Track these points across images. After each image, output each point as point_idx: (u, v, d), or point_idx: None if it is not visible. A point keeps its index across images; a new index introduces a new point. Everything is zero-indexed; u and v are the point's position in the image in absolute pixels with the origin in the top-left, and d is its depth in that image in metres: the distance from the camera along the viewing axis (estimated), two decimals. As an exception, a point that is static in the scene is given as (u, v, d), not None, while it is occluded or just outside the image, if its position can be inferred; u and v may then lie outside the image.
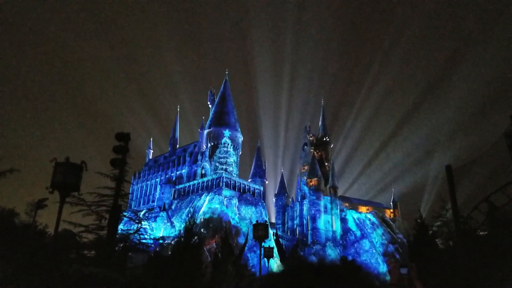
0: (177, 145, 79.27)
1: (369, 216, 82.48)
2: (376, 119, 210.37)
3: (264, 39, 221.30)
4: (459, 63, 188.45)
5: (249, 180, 73.12)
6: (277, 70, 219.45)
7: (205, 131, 73.30)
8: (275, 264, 52.47)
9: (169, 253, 34.30)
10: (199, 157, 69.89)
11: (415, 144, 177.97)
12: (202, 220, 55.21)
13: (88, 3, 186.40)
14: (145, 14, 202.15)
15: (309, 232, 73.70)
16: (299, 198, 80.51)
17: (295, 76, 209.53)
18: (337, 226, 76.02)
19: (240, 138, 76.35)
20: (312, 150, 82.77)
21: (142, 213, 45.42)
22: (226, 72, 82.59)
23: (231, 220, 56.71)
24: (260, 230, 15.61)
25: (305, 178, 79.26)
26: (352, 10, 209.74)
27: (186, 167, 69.93)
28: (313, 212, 74.41)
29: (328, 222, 75.17)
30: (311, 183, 76.34)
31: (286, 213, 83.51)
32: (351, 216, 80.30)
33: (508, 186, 13.23)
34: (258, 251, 15.81)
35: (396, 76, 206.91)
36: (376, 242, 76.59)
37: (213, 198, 59.18)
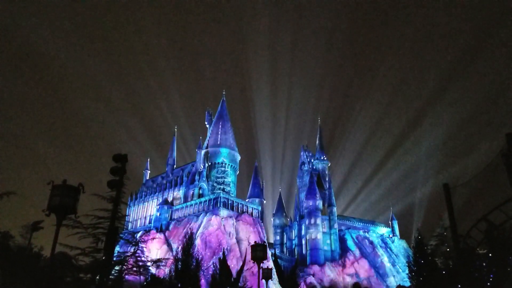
0: (174, 165, 79.08)
1: (368, 235, 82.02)
2: (373, 137, 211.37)
3: (261, 59, 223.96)
4: (455, 81, 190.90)
5: (247, 200, 72.73)
6: (274, 89, 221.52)
7: (203, 151, 73.28)
8: (273, 285, 51.73)
9: (167, 275, 33.87)
10: (197, 177, 69.63)
11: (412, 162, 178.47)
12: (199, 241, 54.62)
13: (83, 24, 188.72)
14: (141, 34, 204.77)
15: (308, 252, 72.99)
16: (297, 217, 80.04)
17: (292, 95, 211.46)
18: (336, 246, 75.38)
19: (238, 157, 76.32)
20: (309, 169, 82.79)
21: (138, 234, 44.97)
22: (223, 92, 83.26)
23: (229, 240, 56.14)
24: (259, 251, 15.45)
25: (303, 197, 79.02)
26: (348, 30, 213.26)
27: (183, 188, 69.57)
28: (311, 232, 73.87)
29: (327, 242, 74.57)
30: (309, 203, 76.03)
31: (284, 233, 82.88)
32: (350, 235, 79.79)
33: (506, 204, 13.24)
34: (257, 273, 15.63)
35: (393, 95, 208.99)
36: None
37: (211, 218, 58.69)
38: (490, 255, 13.94)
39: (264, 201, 79.93)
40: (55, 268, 13.15)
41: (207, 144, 74.92)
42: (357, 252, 76.52)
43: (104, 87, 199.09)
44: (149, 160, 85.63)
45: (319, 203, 75.78)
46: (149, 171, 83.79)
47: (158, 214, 67.04)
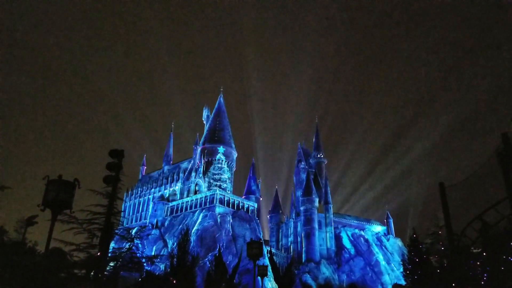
0: (171, 162, 78.90)
1: (363, 233, 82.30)
2: (370, 136, 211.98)
3: (259, 57, 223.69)
4: (451, 82, 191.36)
5: (243, 197, 72.73)
6: (271, 87, 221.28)
7: (199, 148, 73.17)
8: (269, 283, 51.84)
9: (162, 272, 33.89)
10: (193, 173, 69.54)
11: (408, 161, 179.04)
12: (195, 237, 54.64)
13: (83, 21, 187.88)
14: (140, 30, 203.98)
15: (304, 249, 73.15)
16: (293, 215, 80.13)
17: (289, 93, 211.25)
18: (331, 244, 75.58)
19: (235, 154, 76.26)
20: (306, 167, 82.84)
21: (134, 230, 44.87)
22: (221, 89, 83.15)
23: (224, 237, 56.16)
24: (254, 248, 15.43)
25: (299, 195, 79.09)
26: (346, 30, 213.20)
27: (180, 184, 69.47)
28: (307, 229, 73.99)
29: (323, 240, 74.76)
30: (305, 200, 76.12)
31: (280, 231, 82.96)
32: (345, 233, 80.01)
33: (500, 204, 13.28)
34: (252, 270, 15.63)
35: (390, 94, 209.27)
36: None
37: (207, 215, 58.67)
38: (484, 254, 13.99)
39: (261, 198, 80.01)
40: (50, 263, 13.10)
41: (204, 141, 74.82)
42: (353, 250, 76.79)
43: (101, 83, 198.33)
44: (145, 156, 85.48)
45: (315, 200, 75.90)
46: (145, 167, 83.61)
47: (154, 210, 66.94)
